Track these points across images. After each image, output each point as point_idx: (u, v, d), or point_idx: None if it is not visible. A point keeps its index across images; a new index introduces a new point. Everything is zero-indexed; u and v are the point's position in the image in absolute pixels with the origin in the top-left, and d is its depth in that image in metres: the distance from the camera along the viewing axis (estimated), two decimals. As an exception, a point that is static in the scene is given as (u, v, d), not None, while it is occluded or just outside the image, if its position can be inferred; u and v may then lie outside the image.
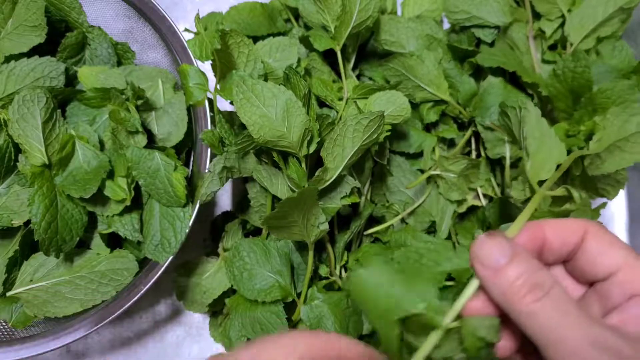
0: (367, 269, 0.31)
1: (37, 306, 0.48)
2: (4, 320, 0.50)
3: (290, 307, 0.48)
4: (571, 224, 0.30)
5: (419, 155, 0.56)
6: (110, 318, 0.47)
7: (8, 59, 0.48)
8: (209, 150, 0.49)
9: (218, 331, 0.55)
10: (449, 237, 0.55)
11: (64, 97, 0.50)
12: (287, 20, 0.61)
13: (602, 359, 0.25)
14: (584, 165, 0.45)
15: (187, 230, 0.48)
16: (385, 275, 0.30)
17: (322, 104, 0.53)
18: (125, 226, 0.48)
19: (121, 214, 0.48)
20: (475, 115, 0.54)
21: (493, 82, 0.54)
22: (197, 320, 0.62)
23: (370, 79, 0.59)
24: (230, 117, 0.48)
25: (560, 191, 0.37)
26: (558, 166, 0.34)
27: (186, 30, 0.55)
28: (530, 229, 0.30)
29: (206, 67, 0.50)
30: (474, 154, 0.57)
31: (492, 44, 0.58)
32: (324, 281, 0.51)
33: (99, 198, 0.47)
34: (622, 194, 0.66)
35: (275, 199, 0.50)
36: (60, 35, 0.51)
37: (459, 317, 0.29)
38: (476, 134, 0.56)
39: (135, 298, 0.47)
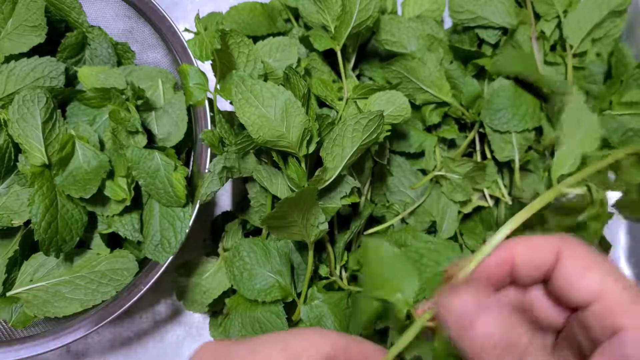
0: (376, 240, 0.29)
1: (37, 306, 0.48)
2: (4, 320, 0.50)
3: (290, 307, 0.48)
4: (542, 243, 0.27)
5: (419, 155, 0.56)
6: (110, 318, 0.47)
7: (8, 59, 0.48)
8: (209, 150, 0.49)
9: (218, 331, 0.55)
10: (453, 238, 0.54)
11: (64, 97, 0.50)
12: (287, 20, 0.61)
13: None
14: None
15: (187, 230, 0.48)
16: (388, 253, 0.29)
17: (322, 104, 0.53)
18: (125, 226, 0.48)
19: (121, 214, 0.48)
20: (483, 117, 0.53)
21: (504, 84, 0.53)
22: (197, 320, 0.62)
23: (371, 79, 0.58)
24: (230, 117, 0.48)
25: (578, 187, 0.31)
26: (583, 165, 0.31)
27: (186, 30, 0.55)
28: (499, 251, 0.27)
29: (206, 67, 0.50)
30: (478, 155, 0.57)
31: (495, 45, 0.57)
32: (324, 281, 0.51)
33: (99, 198, 0.47)
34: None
35: (275, 199, 0.50)
36: (60, 35, 0.51)
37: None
38: (480, 135, 0.56)
39: (135, 298, 0.47)
